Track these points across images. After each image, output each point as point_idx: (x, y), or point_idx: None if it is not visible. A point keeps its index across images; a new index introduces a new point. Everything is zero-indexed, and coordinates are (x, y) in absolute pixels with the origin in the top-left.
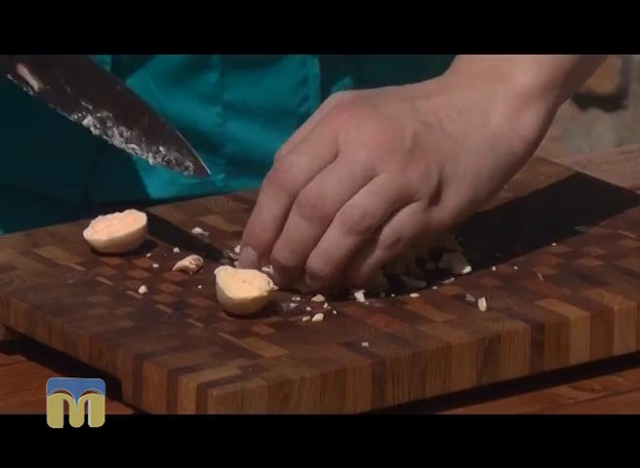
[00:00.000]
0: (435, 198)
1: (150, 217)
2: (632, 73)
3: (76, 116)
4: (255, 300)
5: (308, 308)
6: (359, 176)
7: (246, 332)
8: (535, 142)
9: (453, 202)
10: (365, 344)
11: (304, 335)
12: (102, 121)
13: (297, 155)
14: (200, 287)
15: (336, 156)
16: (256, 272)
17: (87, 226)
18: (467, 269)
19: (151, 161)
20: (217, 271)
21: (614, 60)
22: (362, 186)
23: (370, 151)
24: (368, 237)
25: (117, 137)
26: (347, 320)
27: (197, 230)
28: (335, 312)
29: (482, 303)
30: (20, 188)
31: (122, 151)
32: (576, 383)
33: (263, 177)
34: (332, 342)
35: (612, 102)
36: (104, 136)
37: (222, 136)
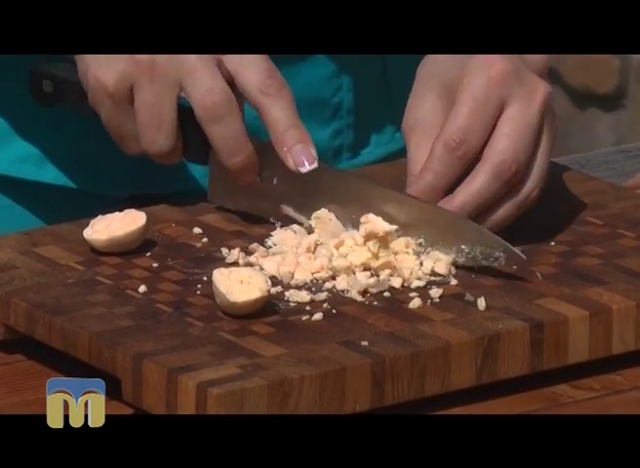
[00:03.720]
0: None
1: (150, 217)
2: (631, 73)
3: None
4: (257, 301)
5: (308, 307)
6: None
7: (245, 332)
8: None
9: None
10: (364, 343)
11: (304, 334)
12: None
13: (464, 122)
14: (199, 286)
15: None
16: (250, 270)
17: (86, 226)
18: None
19: (459, 260)
20: (213, 275)
21: (612, 60)
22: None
23: (541, 107)
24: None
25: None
26: (347, 319)
27: (196, 230)
28: (334, 311)
29: (481, 302)
30: (70, 189)
31: None
32: (575, 382)
33: None
34: (331, 341)
35: (610, 102)
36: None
37: (260, 128)
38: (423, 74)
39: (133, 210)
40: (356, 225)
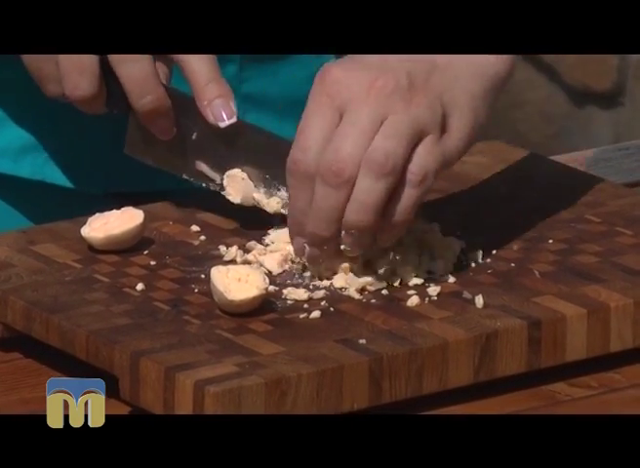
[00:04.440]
0: (443, 128)
1: (147, 215)
2: (629, 71)
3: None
4: (255, 299)
5: (305, 305)
6: (369, 130)
7: (243, 330)
8: (512, 60)
9: (460, 126)
10: (362, 341)
11: (301, 332)
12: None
13: (304, 137)
14: (197, 284)
15: (340, 119)
16: (248, 267)
17: (84, 224)
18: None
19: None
20: (211, 273)
21: (611, 58)
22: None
23: (371, 103)
24: (397, 179)
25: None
26: (344, 317)
27: (194, 228)
28: (332, 309)
29: (479, 300)
30: (48, 185)
31: None
32: (572, 380)
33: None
34: (329, 339)
35: (608, 100)
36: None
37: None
38: None
39: (130, 208)
40: (269, 185)
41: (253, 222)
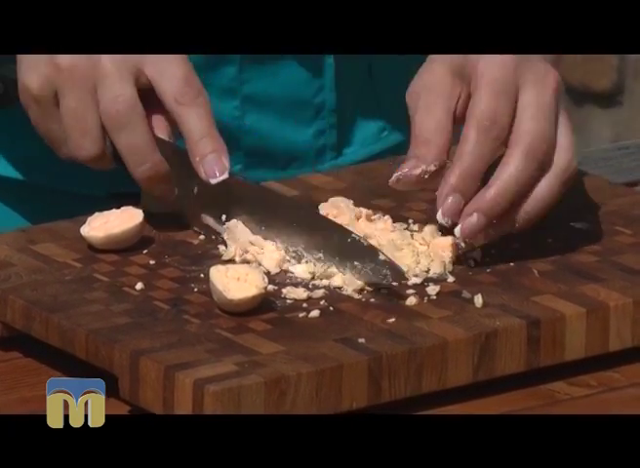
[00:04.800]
0: None
1: (147, 214)
2: (628, 70)
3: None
4: (254, 298)
5: (305, 304)
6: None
7: (242, 329)
8: None
9: None
10: (361, 340)
11: (301, 332)
12: (297, 253)
13: (492, 103)
14: (197, 283)
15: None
16: (247, 267)
17: (83, 223)
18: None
19: (354, 276)
20: (210, 272)
21: (610, 57)
22: None
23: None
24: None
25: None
26: (344, 316)
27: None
28: (331, 308)
29: (478, 299)
30: (50, 188)
31: None
32: (572, 379)
33: (280, 169)
34: (328, 338)
35: (607, 99)
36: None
37: (241, 128)
38: (435, 55)
39: (130, 207)
40: (268, 236)
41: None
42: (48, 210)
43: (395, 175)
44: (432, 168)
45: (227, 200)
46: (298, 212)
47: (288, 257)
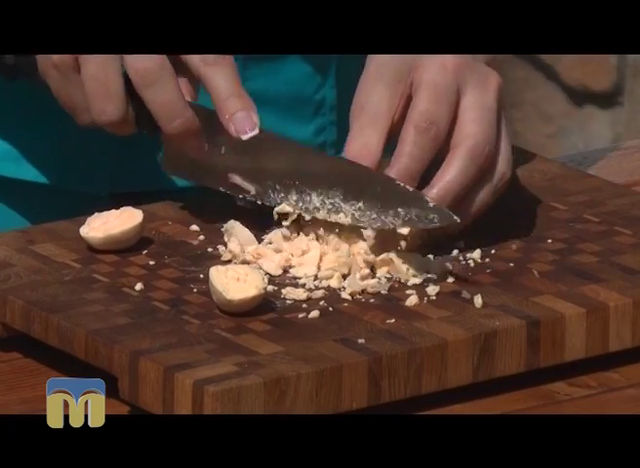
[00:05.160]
0: None
1: (146, 214)
2: (628, 70)
3: (306, 206)
4: (254, 299)
5: (304, 305)
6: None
7: (242, 329)
8: None
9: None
10: (361, 341)
11: (300, 332)
12: (334, 206)
13: (430, 105)
14: (196, 284)
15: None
16: (247, 267)
17: (83, 223)
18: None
19: (397, 223)
20: (210, 272)
21: (609, 58)
22: None
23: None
24: None
25: (350, 216)
26: (343, 316)
27: (193, 227)
28: (331, 309)
29: (478, 300)
30: (51, 187)
31: (145, 144)
32: (571, 380)
33: None
34: (328, 339)
35: (607, 99)
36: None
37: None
38: (374, 62)
39: (129, 207)
40: (300, 191)
41: (252, 222)
42: (47, 210)
43: None
44: None
45: (257, 157)
46: (334, 163)
47: (326, 211)
